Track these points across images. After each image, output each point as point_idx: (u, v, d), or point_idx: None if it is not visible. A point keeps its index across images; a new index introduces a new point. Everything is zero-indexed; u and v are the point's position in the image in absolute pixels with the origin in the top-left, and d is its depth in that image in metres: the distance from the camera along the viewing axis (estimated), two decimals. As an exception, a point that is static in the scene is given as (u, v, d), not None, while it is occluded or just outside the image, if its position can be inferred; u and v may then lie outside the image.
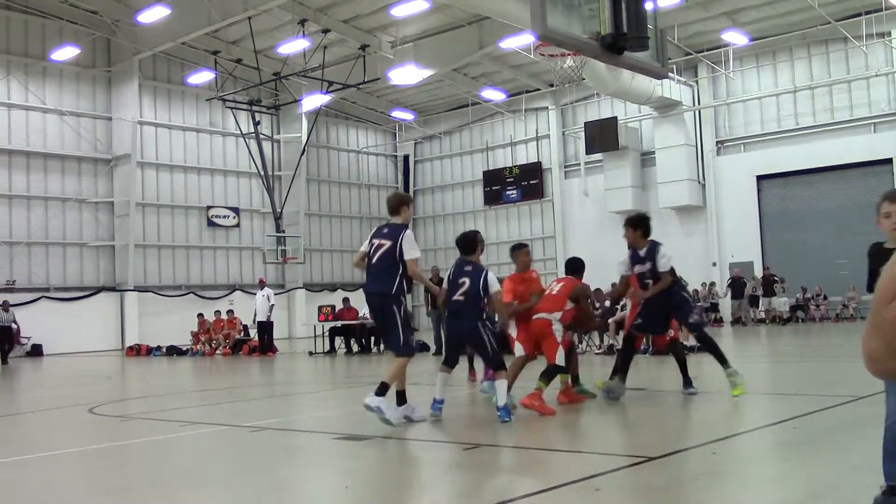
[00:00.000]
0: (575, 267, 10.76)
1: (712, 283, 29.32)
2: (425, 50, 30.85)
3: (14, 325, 24.76)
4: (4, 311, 24.12)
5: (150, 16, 27.05)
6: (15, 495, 5.75)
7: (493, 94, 35.66)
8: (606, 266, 32.98)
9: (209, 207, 33.95)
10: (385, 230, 8.28)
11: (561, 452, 6.44)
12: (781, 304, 27.71)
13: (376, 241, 8.20)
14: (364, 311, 22.01)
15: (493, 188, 37.69)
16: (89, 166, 30.94)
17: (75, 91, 30.69)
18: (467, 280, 8.56)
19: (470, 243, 9.11)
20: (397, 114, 38.60)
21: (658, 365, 14.35)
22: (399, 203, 8.35)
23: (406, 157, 41.22)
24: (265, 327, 22.71)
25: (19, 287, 28.14)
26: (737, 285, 28.11)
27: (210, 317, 25.58)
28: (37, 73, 29.69)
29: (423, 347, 20.29)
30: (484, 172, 38.02)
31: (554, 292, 9.70)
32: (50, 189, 29.79)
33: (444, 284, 9.07)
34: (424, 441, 7.25)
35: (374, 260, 8.14)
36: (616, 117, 32.75)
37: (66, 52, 29.07)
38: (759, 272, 29.06)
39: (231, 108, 31.83)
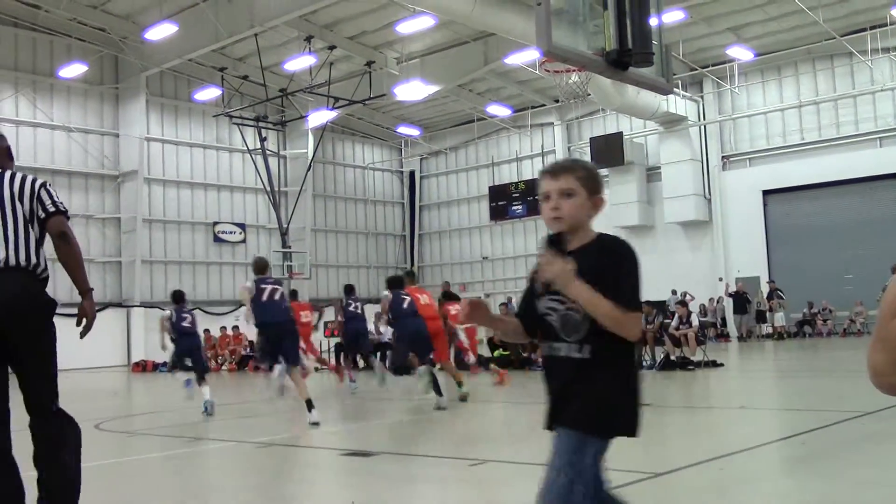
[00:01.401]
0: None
1: (720, 299, 29.26)
2: (431, 66, 30.96)
3: None
4: None
5: (158, 33, 27.20)
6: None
7: (499, 110, 35.74)
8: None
9: (216, 223, 34.02)
10: (270, 279, 10.85)
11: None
12: (778, 319, 27.64)
13: (269, 287, 10.55)
14: (371, 326, 22.01)
15: (499, 203, 37.70)
16: (96, 182, 31.06)
17: (83, 108, 30.85)
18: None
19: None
20: (403, 130, 38.68)
21: (664, 380, 14.31)
22: (266, 265, 11.12)
23: (412, 173, 41.29)
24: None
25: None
26: (740, 300, 27.99)
27: (216, 333, 25.60)
28: (45, 90, 29.87)
29: (432, 363, 20.24)
30: (490, 188, 38.06)
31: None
32: (57, 205, 29.89)
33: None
34: (430, 457, 7.24)
35: (275, 298, 10.46)
36: (622, 132, 32.78)
37: (74, 69, 29.25)
38: (765, 287, 29.00)
39: (238, 125, 31.95)
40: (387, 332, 21.60)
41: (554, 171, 3.04)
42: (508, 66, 30.90)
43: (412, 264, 40.72)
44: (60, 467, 4.43)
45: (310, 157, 34.30)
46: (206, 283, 33.74)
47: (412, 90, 31.06)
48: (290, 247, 32.25)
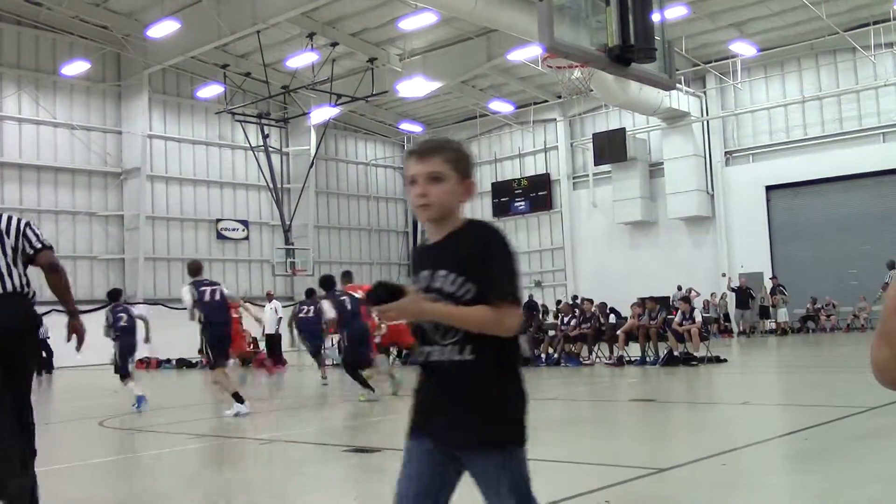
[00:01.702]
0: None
1: (723, 294, 29.20)
2: (433, 62, 30.94)
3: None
4: None
5: (160, 30, 27.20)
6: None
7: (501, 106, 35.71)
8: (615, 277, 32.99)
9: (218, 220, 34.04)
10: (206, 281, 11.49)
11: (570, 464, 6.43)
12: (781, 314, 27.61)
13: (208, 289, 11.20)
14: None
15: (502, 199, 37.70)
16: (99, 180, 31.09)
17: (86, 105, 30.86)
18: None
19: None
20: (405, 126, 38.67)
21: (667, 376, 14.32)
22: (200, 267, 11.68)
23: (414, 169, 41.19)
24: (273, 340, 22.74)
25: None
26: (742, 295, 27.94)
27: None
28: (48, 88, 29.89)
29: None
30: (492, 184, 38.05)
31: None
32: (60, 203, 29.93)
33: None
34: (434, 453, 7.25)
35: (216, 298, 11.13)
36: (624, 128, 32.76)
37: (76, 67, 29.26)
38: (768, 283, 28.98)
39: (240, 122, 31.96)
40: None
41: (421, 152, 2.76)
42: (511, 63, 30.87)
43: (415, 261, 40.66)
44: (30, 476, 4.64)
45: (312, 154, 34.30)
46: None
47: (414, 87, 31.04)
48: (292, 243, 32.28)
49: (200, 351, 21.02)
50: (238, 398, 10.69)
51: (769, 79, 30.93)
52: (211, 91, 31.81)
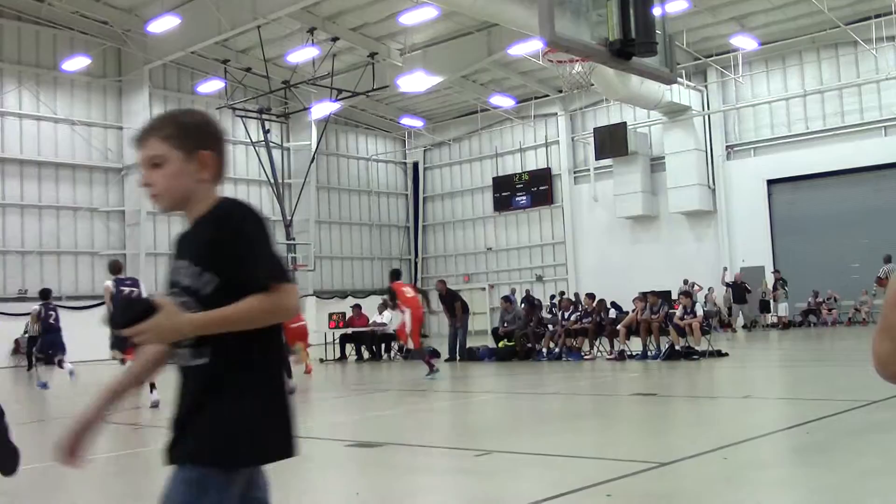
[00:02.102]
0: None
1: (711, 289, 28.91)
2: (434, 57, 30.90)
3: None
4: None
5: (160, 25, 27.17)
6: (27, 503, 5.79)
7: (502, 101, 35.68)
8: (616, 271, 32.99)
9: (220, 215, 34.01)
10: (127, 280, 12.38)
11: (572, 458, 6.44)
12: (782, 308, 27.61)
13: (127, 288, 11.98)
14: (374, 317, 22.10)
15: (503, 194, 37.70)
16: (100, 175, 31.08)
17: (86, 101, 30.85)
18: None
19: None
20: (406, 121, 38.64)
21: (668, 370, 14.33)
22: (120, 266, 12.71)
23: (415, 164, 41.26)
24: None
25: (31, 296, 28.24)
26: (738, 290, 27.90)
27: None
28: (48, 84, 29.87)
29: (435, 353, 20.32)
30: (493, 179, 38.04)
31: None
32: (61, 198, 29.93)
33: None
34: (436, 447, 7.26)
35: (132, 297, 11.60)
36: (625, 123, 32.73)
37: (76, 63, 29.23)
38: (770, 277, 28.97)
39: (241, 117, 31.94)
40: (393, 322, 21.75)
41: (138, 137, 2.39)
42: (512, 57, 30.83)
43: (416, 255, 40.76)
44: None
45: (313, 149, 34.28)
46: (211, 276, 33.73)
47: (415, 81, 31.00)
48: (294, 239, 32.27)
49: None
50: (152, 386, 11.61)
51: (770, 72, 30.88)
52: (212, 86, 31.79)
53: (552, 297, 25.91)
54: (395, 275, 15.60)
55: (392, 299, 15.21)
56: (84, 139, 30.58)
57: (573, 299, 21.58)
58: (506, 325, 19.18)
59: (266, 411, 2.29)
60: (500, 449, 6.85)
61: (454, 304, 19.54)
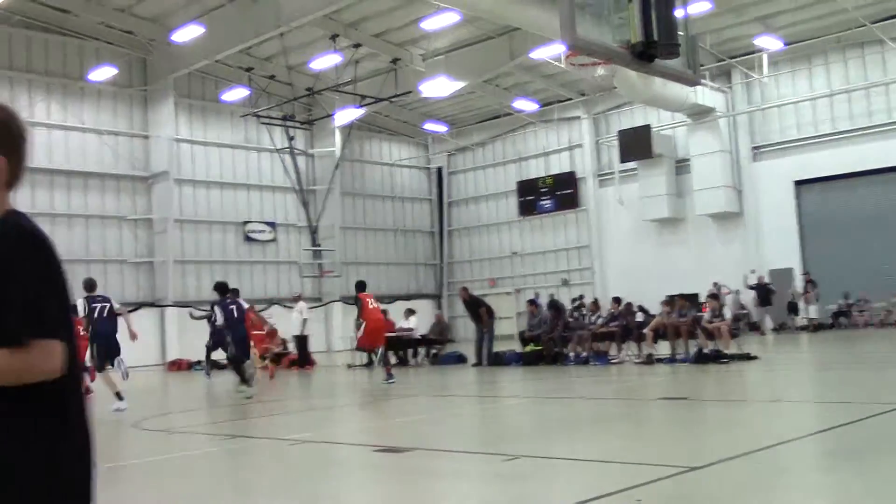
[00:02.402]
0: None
1: (737, 291, 28.53)
2: (456, 62, 30.93)
3: None
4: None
5: (185, 34, 27.39)
6: None
7: (525, 105, 35.64)
8: (642, 274, 32.79)
9: (246, 223, 34.25)
10: (99, 297, 13.46)
11: (602, 463, 6.42)
12: (812, 310, 27.29)
13: (98, 305, 13.24)
14: (401, 322, 22.15)
15: (528, 198, 37.64)
16: (128, 184, 31.37)
17: (113, 110, 31.15)
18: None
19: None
20: (430, 126, 38.69)
21: (697, 374, 14.23)
22: (94, 284, 13.76)
23: (439, 169, 41.29)
24: (301, 341, 22.89)
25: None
26: (762, 292, 27.59)
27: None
28: (75, 94, 30.20)
29: (461, 359, 20.34)
30: (517, 183, 37.98)
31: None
32: (90, 207, 30.24)
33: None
34: (463, 452, 7.26)
35: (104, 315, 13.19)
36: (649, 125, 32.58)
37: (103, 73, 29.53)
38: (799, 279, 28.68)
39: (265, 124, 32.13)
40: (419, 327, 21.78)
41: None
42: (534, 61, 30.79)
43: (442, 260, 40.80)
44: None
45: (337, 156, 34.42)
46: (238, 282, 33.90)
47: (438, 86, 31.05)
48: (319, 245, 32.40)
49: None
50: (119, 397, 12.66)
51: (796, 73, 30.60)
52: (236, 94, 32.01)
53: (573, 300, 25.82)
54: (361, 286, 16.47)
55: (358, 307, 16.15)
56: (111, 148, 30.88)
57: (596, 303, 21.48)
58: (532, 329, 19.14)
59: (48, 475, 1.95)
60: (528, 453, 6.83)
61: (478, 310, 19.54)
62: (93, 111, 30.51)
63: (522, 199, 37.82)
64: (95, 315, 13.15)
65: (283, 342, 25.14)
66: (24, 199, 25.08)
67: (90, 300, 13.36)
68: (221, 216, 33.52)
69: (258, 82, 30.68)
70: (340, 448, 8.14)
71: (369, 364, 21.68)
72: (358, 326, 16.15)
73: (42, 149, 29.30)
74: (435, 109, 37.66)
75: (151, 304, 30.79)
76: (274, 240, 35.08)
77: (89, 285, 13.82)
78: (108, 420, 12.34)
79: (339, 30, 28.45)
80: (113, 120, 31.03)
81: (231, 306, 15.18)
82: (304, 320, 22.68)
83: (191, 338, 29.65)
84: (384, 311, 23.25)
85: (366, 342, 16.36)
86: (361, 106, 30.37)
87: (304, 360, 22.82)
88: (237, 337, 14.93)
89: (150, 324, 28.58)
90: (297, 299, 23.73)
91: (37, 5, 28.05)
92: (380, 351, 16.64)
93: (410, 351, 21.72)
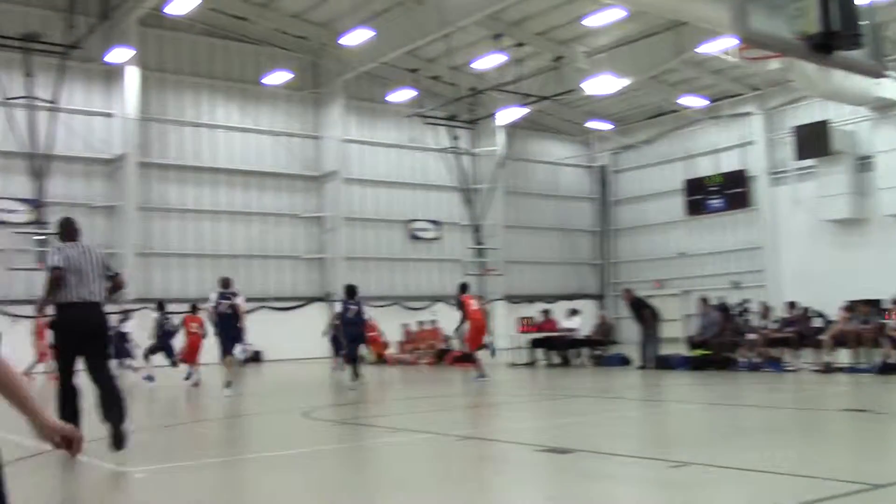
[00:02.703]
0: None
1: None
2: (621, 58, 30.38)
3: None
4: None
5: (354, 38, 28.25)
6: (233, 493, 6.16)
7: (693, 101, 34.56)
8: (819, 278, 31.09)
9: (411, 221, 35.01)
10: (229, 294, 15.39)
11: (774, 475, 6.13)
12: None
13: (225, 302, 15.19)
14: (563, 322, 21.99)
15: (696, 197, 36.49)
16: (300, 183, 32.74)
17: (287, 113, 32.60)
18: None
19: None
20: (593, 124, 38.22)
21: (883, 385, 13.37)
22: (228, 281, 16.09)
23: (603, 168, 40.73)
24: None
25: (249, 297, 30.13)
26: None
27: (414, 327, 26.36)
28: (252, 98, 31.79)
29: (625, 361, 19.98)
30: (685, 181, 36.90)
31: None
32: (266, 205, 31.79)
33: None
34: (628, 456, 7.12)
35: (226, 309, 15.05)
36: (827, 120, 30.85)
37: (278, 77, 30.96)
38: None
39: (430, 124, 32.69)
40: (582, 327, 21.54)
41: None
42: (702, 56, 29.83)
43: (605, 260, 40.26)
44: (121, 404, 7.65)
45: (500, 154, 34.58)
46: (404, 280, 34.76)
47: (602, 84, 30.60)
48: (483, 243, 32.65)
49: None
50: (228, 385, 14.60)
51: None
52: (402, 95, 32.74)
53: (738, 304, 24.70)
54: (464, 288, 17.63)
55: (460, 309, 17.17)
56: (285, 149, 32.32)
57: (766, 306, 20.53)
58: (702, 332, 18.50)
59: None
60: (696, 461, 6.62)
61: (642, 312, 19.13)
62: (268, 114, 32.03)
63: (690, 197, 36.70)
64: (219, 309, 15.13)
65: (446, 339, 25.54)
66: (205, 198, 26.82)
67: (221, 296, 15.25)
68: (388, 214, 34.40)
69: (423, 83, 31.28)
70: (503, 446, 8.17)
71: (531, 363, 21.72)
72: (461, 328, 17.38)
73: (223, 150, 31.04)
74: (599, 107, 37.16)
75: (321, 299, 31.96)
76: (438, 238, 35.65)
77: (224, 283, 15.82)
78: (278, 409, 12.92)
79: (502, 29, 28.56)
80: (287, 122, 32.45)
81: (351, 307, 16.87)
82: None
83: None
84: (546, 311, 23.33)
85: (472, 342, 17.40)
86: (524, 105, 30.38)
87: (467, 357, 23.06)
88: (352, 336, 16.77)
89: (321, 318, 29.57)
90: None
91: (217, 14, 29.70)
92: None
93: (573, 351, 21.53)
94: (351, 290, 17.11)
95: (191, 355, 17.96)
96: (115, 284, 8.01)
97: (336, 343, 19.88)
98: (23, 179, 26.31)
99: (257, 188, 31.59)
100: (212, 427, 10.85)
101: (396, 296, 34.11)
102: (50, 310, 7.96)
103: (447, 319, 26.34)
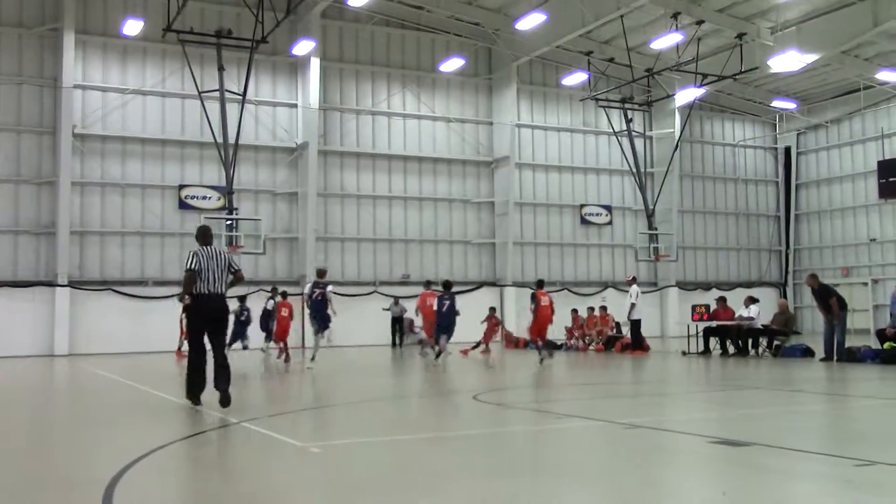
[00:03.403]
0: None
1: None
2: (809, 33, 28.76)
3: (406, 317, 28.41)
4: (395, 305, 29.19)
5: (528, 23, 28.19)
6: (407, 471, 6.32)
7: (891, 76, 32.22)
8: None
9: (582, 206, 34.65)
10: (321, 284, 17.77)
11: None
12: None
13: (317, 291, 17.58)
14: (741, 311, 21.15)
15: (890, 179, 34.02)
16: (472, 169, 33.09)
17: (460, 99, 33.00)
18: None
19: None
20: (778, 103, 36.42)
21: None
22: (323, 271, 18.89)
23: (787, 149, 38.79)
24: (634, 325, 22.72)
25: (412, 281, 30.90)
26: None
27: (583, 313, 26.10)
28: (427, 85, 32.39)
29: (808, 352, 19.02)
30: (879, 162, 34.45)
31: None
32: (439, 191, 32.35)
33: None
34: (808, 452, 6.76)
35: (318, 297, 17.54)
36: None
37: (452, 64, 31.39)
38: None
39: (603, 107, 32.21)
40: (760, 316, 20.69)
41: None
42: (903, 27, 27.76)
43: (787, 247, 38.43)
44: (229, 374, 9.83)
45: (676, 137, 33.64)
46: (574, 265, 34.51)
47: (788, 61, 29.10)
48: (656, 228, 31.89)
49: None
50: (312, 359, 17.45)
51: None
52: (575, 79, 32.40)
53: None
54: (540, 284, 20.02)
55: (532, 302, 19.25)
56: (458, 135, 32.74)
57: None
58: (894, 323, 17.28)
59: None
60: (884, 461, 6.20)
61: (828, 300, 18.09)
62: (442, 100, 32.54)
63: (884, 180, 34.25)
64: (311, 297, 17.52)
65: (616, 326, 25.16)
66: (381, 184, 27.79)
67: (315, 285, 17.71)
68: (559, 199, 34.22)
69: (597, 66, 30.83)
70: (674, 436, 7.95)
71: (705, 352, 21.04)
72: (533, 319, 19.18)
73: (398, 137, 31.83)
74: (784, 85, 35.39)
75: (492, 284, 32.24)
76: (610, 223, 35.14)
77: (319, 273, 18.41)
78: (448, 391, 13.14)
79: (680, 7, 27.67)
80: (460, 108, 32.86)
81: (445, 301, 18.93)
82: (632, 305, 22.42)
83: (527, 317, 30.55)
84: (722, 299, 22.48)
85: (534, 332, 19.42)
86: (703, 85, 29.34)
87: (637, 344, 22.64)
88: (441, 326, 18.95)
89: (490, 302, 29.86)
90: (631, 282, 23.51)
91: (394, 4, 30.42)
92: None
93: (751, 341, 20.65)
94: (447, 285, 19.69)
95: (281, 336, 20.29)
96: (236, 278, 10.00)
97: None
98: (214, 167, 28.00)
99: (431, 174, 32.20)
100: (382, 406, 11.18)
101: (566, 281, 33.93)
102: (187, 299, 9.87)
103: (617, 306, 25.95)
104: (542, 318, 18.91)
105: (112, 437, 8.23)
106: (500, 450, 7.32)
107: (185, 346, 20.48)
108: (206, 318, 9.84)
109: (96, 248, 27.58)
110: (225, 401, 9.47)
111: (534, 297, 19.10)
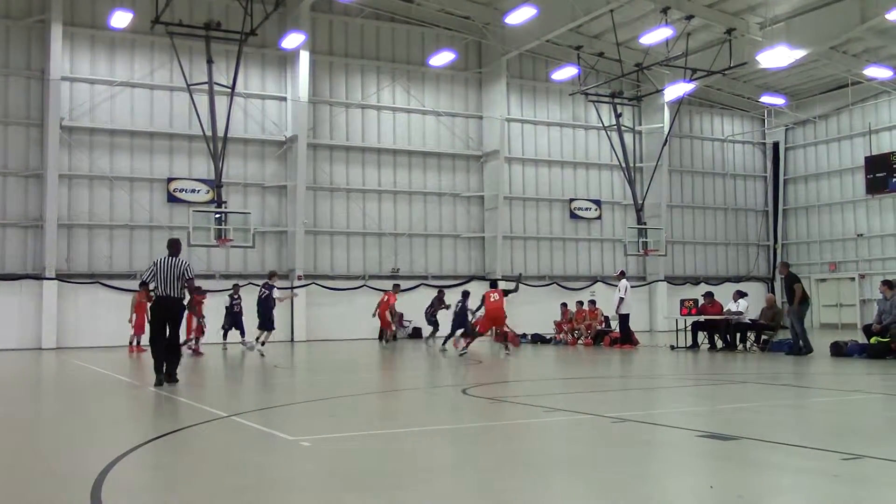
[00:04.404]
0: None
1: None
2: (798, 29, 28.85)
3: (398, 310, 28.23)
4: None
5: (518, 17, 28.16)
6: (395, 463, 6.33)
7: (879, 72, 32.37)
8: None
9: (572, 200, 34.70)
10: (269, 285, 20.95)
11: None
12: None
13: (266, 291, 20.78)
14: (729, 305, 21.24)
15: (878, 175, 34.25)
16: (462, 163, 33.07)
17: (450, 93, 32.96)
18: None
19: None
20: (766, 99, 36.55)
21: None
22: (273, 273, 22.19)
23: (776, 145, 38.93)
24: (623, 319, 22.77)
25: (402, 275, 30.89)
26: None
27: (572, 307, 26.17)
28: (417, 79, 32.33)
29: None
30: (866, 158, 34.71)
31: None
32: (428, 185, 32.31)
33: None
34: (795, 446, 6.80)
35: (263, 297, 20.87)
36: None
37: (442, 58, 31.33)
38: None
39: (593, 102, 32.25)
40: (749, 311, 20.80)
41: None
42: (892, 23, 27.87)
43: (775, 241, 38.59)
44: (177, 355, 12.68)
45: (666, 132, 33.71)
46: (563, 259, 34.57)
47: (777, 56, 29.18)
48: (645, 223, 31.98)
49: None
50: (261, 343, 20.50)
51: None
52: (565, 73, 32.41)
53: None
54: (493, 284, 23.16)
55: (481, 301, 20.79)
56: (448, 129, 32.71)
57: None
58: (881, 317, 17.32)
59: None
60: (870, 454, 6.25)
61: (792, 285, 18.42)
62: (432, 94, 32.50)
63: (871, 175, 34.52)
64: (258, 295, 20.66)
65: (605, 320, 25.22)
66: (370, 178, 27.78)
67: (264, 284, 20.93)
68: (548, 193, 34.26)
69: (587, 60, 30.86)
70: (662, 430, 7.98)
71: (693, 346, 21.12)
72: (476, 314, 21.39)
73: (388, 131, 31.77)
74: (772, 81, 35.51)
75: (482, 278, 32.25)
76: (599, 217, 35.21)
77: (270, 274, 21.70)
78: (438, 384, 13.16)
79: (670, 2, 27.71)
80: (450, 102, 32.83)
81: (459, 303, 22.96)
82: (620, 299, 22.48)
83: (516, 311, 30.62)
84: (710, 294, 22.56)
85: (483, 327, 20.74)
86: (692, 80, 29.41)
87: (625, 338, 22.70)
88: (456, 324, 22.68)
89: (480, 296, 29.75)
90: (620, 277, 23.58)
91: (385, -3, 30.35)
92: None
93: (739, 336, 20.75)
94: (465, 294, 23.49)
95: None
96: (187, 286, 12.44)
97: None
98: (203, 161, 27.91)
99: (420, 168, 32.17)
100: (373, 400, 11.19)
101: (555, 275, 33.99)
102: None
103: (606, 301, 26.01)
104: (490, 315, 20.15)
105: (100, 431, 8.21)
106: (489, 443, 7.34)
107: (136, 341, 22.82)
108: (162, 313, 12.40)
109: (84, 241, 27.47)
110: (170, 376, 12.10)
111: (483, 298, 20.71)
